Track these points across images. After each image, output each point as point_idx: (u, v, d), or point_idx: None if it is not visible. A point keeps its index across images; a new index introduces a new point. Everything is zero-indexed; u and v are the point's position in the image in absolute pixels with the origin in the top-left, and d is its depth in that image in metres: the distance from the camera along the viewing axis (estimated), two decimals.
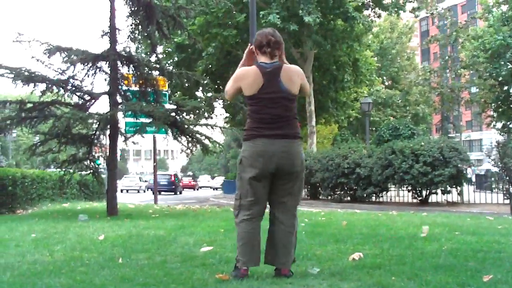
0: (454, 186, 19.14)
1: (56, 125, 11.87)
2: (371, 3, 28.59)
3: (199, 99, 19.75)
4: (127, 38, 13.40)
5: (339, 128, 38.28)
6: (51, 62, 12.22)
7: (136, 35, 13.67)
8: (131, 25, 13.32)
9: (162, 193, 43.44)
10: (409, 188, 19.85)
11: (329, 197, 22.66)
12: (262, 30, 4.69)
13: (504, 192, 18.57)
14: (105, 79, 12.92)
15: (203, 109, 13.93)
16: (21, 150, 59.20)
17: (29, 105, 12.39)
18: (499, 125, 39.54)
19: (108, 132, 12.75)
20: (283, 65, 4.53)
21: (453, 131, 52.22)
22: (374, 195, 21.00)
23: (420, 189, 19.43)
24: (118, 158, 14.16)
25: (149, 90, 13.28)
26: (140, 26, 13.34)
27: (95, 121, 12.25)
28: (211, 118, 33.73)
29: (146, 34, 13.71)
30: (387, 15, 33.16)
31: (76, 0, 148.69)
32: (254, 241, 4.46)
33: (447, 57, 34.79)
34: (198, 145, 13.48)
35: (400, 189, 21.36)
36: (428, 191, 19.31)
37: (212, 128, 13.82)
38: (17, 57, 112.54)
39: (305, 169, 4.65)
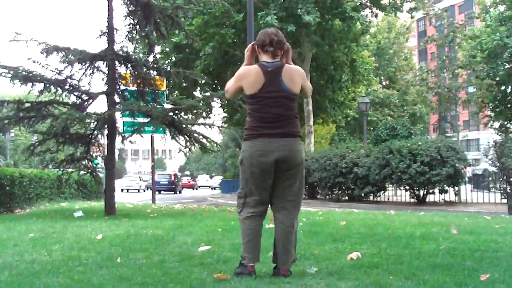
0: (452, 185, 19.17)
1: (53, 125, 11.87)
2: (368, 3, 28.64)
3: (196, 99, 19.72)
4: (125, 38, 13.40)
5: (336, 128, 38.33)
6: (49, 62, 12.23)
7: (134, 35, 13.66)
8: (129, 25, 13.30)
9: (162, 192, 44.20)
10: (407, 187, 19.89)
11: (327, 197, 22.70)
12: (265, 29, 4.71)
13: (502, 191, 18.58)
14: (103, 79, 12.92)
15: (200, 109, 13.92)
16: (19, 149, 59.27)
17: (27, 104, 12.38)
18: (496, 124, 39.63)
19: (106, 131, 12.74)
20: (284, 65, 4.54)
21: (451, 131, 52.36)
22: (372, 194, 21.04)
23: (417, 188, 19.46)
24: (116, 157, 14.16)
25: (147, 89, 13.28)
26: (138, 26, 13.33)
27: (93, 120, 12.26)
28: (209, 117, 33.78)
29: (144, 34, 13.70)
30: (385, 15, 33.20)
31: (74, 0, 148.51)
32: (258, 238, 4.49)
33: (444, 57, 34.88)
34: (196, 144, 13.48)
35: (397, 188, 21.40)
36: (425, 190, 19.34)
37: (210, 127, 13.82)
38: (15, 57, 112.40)
39: (305, 168, 4.66)
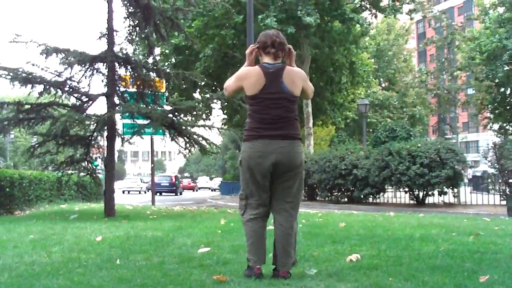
0: (451, 187, 19.19)
1: (53, 127, 11.87)
2: (368, 5, 28.68)
3: (196, 100, 19.73)
4: (125, 40, 13.40)
5: (336, 129, 38.34)
6: (49, 64, 12.24)
7: (134, 37, 13.67)
8: (128, 27, 13.31)
9: (163, 194, 44.94)
10: (406, 189, 19.90)
11: (327, 198, 22.71)
12: (266, 31, 4.73)
13: (501, 193, 18.59)
14: (103, 81, 12.92)
15: (200, 110, 13.94)
16: (19, 151, 59.23)
17: (26, 106, 12.38)
18: (495, 126, 39.65)
19: (105, 133, 12.75)
20: (286, 67, 4.56)
21: (450, 133, 52.36)
22: (371, 196, 21.06)
23: (417, 190, 19.48)
24: (116, 159, 14.16)
25: (147, 91, 13.29)
26: (137, 28, 13.34)
27: (92, 122, 12.26)
28: (209, 119, 33.82)
29: (143, 35, 13.71)
30: (384, 17, 33.23)
31: (73, 2, 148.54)
32: (262, 240, 4.51)
33: (443, 59, 34.89)
34: (195, 146, 13.49)
35: (397, 190, 21.41)
36: (425, 192, 19.35)
37: (210, 129, 13.82)
38: (15, 58, 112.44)
39: (304, 170, 4.67)
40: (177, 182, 48.55)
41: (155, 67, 13.92)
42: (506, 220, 11.00)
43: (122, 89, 13.27)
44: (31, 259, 5.51)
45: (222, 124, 35.89)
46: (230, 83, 4.68)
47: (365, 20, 28.33)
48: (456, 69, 35.54)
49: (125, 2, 13.12)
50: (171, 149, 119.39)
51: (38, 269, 4.90)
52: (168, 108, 14.10)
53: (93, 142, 13.07)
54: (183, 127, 13.22)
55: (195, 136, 13.36)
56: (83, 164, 13.22)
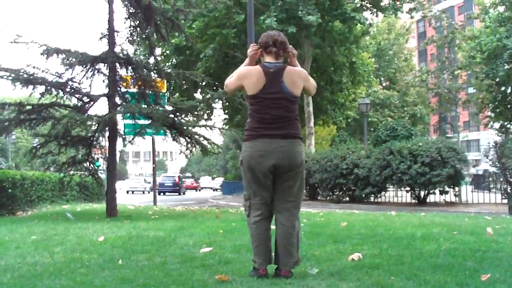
0: (452, 186, 19.17)
1: (55, 128, 11.89)
2: (368, 5, 28.67)
3: (197, 100, 19.73)
4: (126, 40, 13.42)
5: (337, 129, 38.32)
6: (50, 65, 12.26)
7: (135, 37, 13.68)
8: (129, 27, 13.32)
9: (167, 194, 46.01)
10: (407, 188, 19.89)
11: (328, 198, 22.70)
12: (268, 32, 4.75)
13: (502, 192, 18.58)
14: (104, 81, 12.94)
15: (201, 110, 13.95)
16: (21, 152, 59.32)
17: (28, 107, 12.40)
18: (496, 125, 39.63)
19: (107, 134, 12.77)
20: (286, 67, 4.57)
21: (451, 132, 52.33)
22: (373, 195, 21.05)
23: (418, 189, 19.47)
24: (117, 159, 14.18)
25: (148, 91, 13.30)
26: (138, 28, 13.35)
27: (94, 123, 12.28)
28: (210, 119, 33.84)
29: (144, 36, 13.72)
30: (384, 16, 33.22)
31: (74, 3, 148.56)
32: (267, 241, 4.52)
33: (444, 58, 34.87)
34: (197, 146, 13.50)
35: (398, 189, 21.40)
36: (426, 191, 19.34)
37: (211, 129, 13.84)
38: (16, 59, 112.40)
39: (305, 169, 4.68)
40: (180, 182, 49.45)
41: (156, 68, 13.94)
42: (507, 218, 10.98)
43: (123, 89, 13.29)
44: (34, 260, 5.52)
45: (223, 124, 35.92)
46: (231, 80, 4.69)
47: (366, 19, 28.33)
48: (456, 68, 35.52)
49: (126, 2, 13.13)
50: (172, 149, 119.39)
51: (41, 270, 4.92)
52: (169, 108, 14.12)
53: (94, 142, 13.09)
54: (185, 127, 13.23)
55: (196, 136, 13.37)
56: (85, 164, 13.26)
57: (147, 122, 12.83)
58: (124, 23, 13.41)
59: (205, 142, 13.51)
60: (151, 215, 12.40)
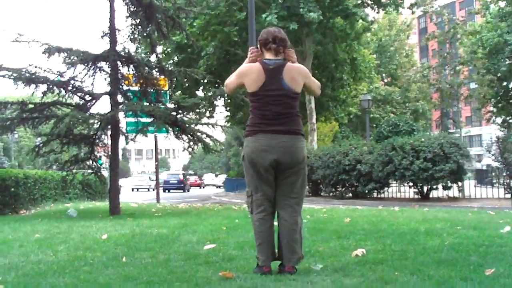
0: (455, 181, 19.15)
1: (57, 127, 11.90)
2: (369, 1, 28.62)
3: (199, 97, 19.74)
4: (127, 39, 13.43)
5: (339, 125, 38.31)
6: (52, 64, 12.27)
7: (136, 35, 13.68)
8: (130, 26, 13.32)
9: (172, 191, 47.16)
10: (410, 184, 19.89)
11: (331, 194, 22.71)
12: (268, 28, 4.74)
13: (505, 186, 18.59)
14: (106, 79, 12.95)
15: (203, 107, 13.97)
16: (24, 151, 59.46)
17: (30, 106, 12.41)
18: (498, 120, 39.59)
19: (109, 132, 12.78)
20: (286, 63, 4.56)
21: (453, 127, 52.22)
22: (375, 191, 21.06)
23: (421, 184, 19.47)
24: (120, 157, 14.17)
25: (150, 89, 13.30)
26: (139, 27, 13.35)
27: (96, 121, 12.28)
28: (213, 117, 33.86)
29: (145, 34, 13.73)
30: (385, 13, 33.16)
31: (75, 1, 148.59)
32: (270, 239, 4.52)
33: (445, 54, 34.78)
34: (199, 144, 13.51)
35: (401, 185, 21.40)
36: (429, 186, 19.34)
37: (213, 127, 13.84)
38: (17, 58, 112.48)
39: (307, 165, 4.68)
40: (185, 179, 50.47)
41: (157, 66, 13.94)
42: (510, 213, 10.97)
43: (125, 87, 13.29)
44: (37, 258, 5.53)
45: (225, 121, 35.95)
46: (231, 79, 4.69)
47: (368, 15, 28.29)
48: (458, 64, 35.42)
49: (127, 1, 13.13)
50: (175, 147, 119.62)
51: (45, 268, 4.92)
52: (171, 106, 14.11)
53: (97, 140, 13.09)
54: (187, 125, 13.24)
55: (198, 134, 13.38)
56: (87, 162, 13.26)
57: (149, 120, 12.83)
58: (125, 21, 13.42)
59: (207, 140, 13.51)
60: (154, 212, 12.41)
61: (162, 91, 14.20)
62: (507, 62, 32.74)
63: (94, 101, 12.93)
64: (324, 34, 28.07)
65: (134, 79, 13.34)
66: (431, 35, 36.07)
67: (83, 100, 13.00)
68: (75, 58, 12.23)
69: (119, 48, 12.88)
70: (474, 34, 35.67)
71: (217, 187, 60.87)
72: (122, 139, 13.06)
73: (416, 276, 4.16)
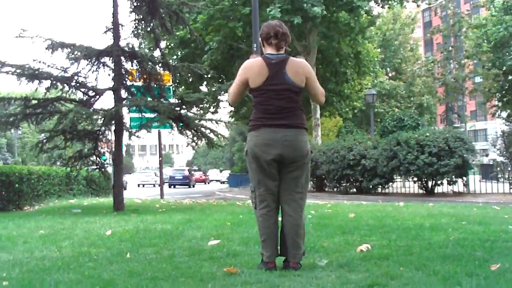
0: (460, 176, 19.09)
1: (61, 122, 11.91)
2: None
3: (203, 93, 19.71)
4: (131, 34, 13.41)
5: (343, 120, 38.26)
6: (55, 59, 12.27)
7: (139, 31, 13.66)
8: (134, 20, 13.30)
9: (177, 186, 48.17)
10: (415, 179, 19.84)
11: (335, 189, 22.69)
12: (269, 22, 4.70)
13: (510, 181, 18.54)
14: (109, 75, 12.93)
15: (207, 102, 13.95)
16: (27, 147, 59.66)
17: (33, 101, 12.40)
18: (504, 114, 39.50)
19: (113, 127, 12.77)
20: (289, 58, 4.53)
21: (458, 121, 52.16)
22: (380, 186, 21.02)
23: (426, 179, 19.42)
24: (124, 153, 14.17)
25: (153, 85, 13.28)
26: (143, 21, 13.33)
27: (100, 117, 12.28)
28: (217, 112, 33.83)
29: (149, 29, 13.70)
30: (389, 8, 33.05)
31: None
32: (275, 234, 4.50)
33: (450, 48, 34.74)
34: (203, 139, 13.49)
35: (406, 180, 21.36)
36: (434, 181, 19.29)
37: (217, 123, 13.83)
38: (20, 54, 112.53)
39: (310, 159, 4.65)
40: (190, 175, 51.08)
41: (161, 61, 13.92)
42: None
43: (129, 83, 13.28)
44: (42, 254, 5.53)
45: (229, 116, 35.93)
46: (233, 85, 4.65)
47: (372, 8, 28.19)
48: (463, 57, 35.38)
49: None
50: (178, 143, 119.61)
51: (49, 264, 4.92)
52: (175, 101, 14.10)
53: (101, 136, 13.08)
54: (191, 120, 13.22)
55: (202, 129, 13.36)
56: (91, 158, 13.26)
57: (153, 115, 12.82)
58: (129, 16, 13.42)
59: (211, 135, 13.49)
60: (158, 208, 12.41)
61: (166, 86, 14.18)
62: None
63: (97, 96, 12.92)
64: (328, 28, 27.99)
65: (137, 74, 13.32)
66: (436, 28, 36.04)
67: (86, 96, 12.99)
68: (79, 53, 12.22)
69: (122, 43, 12.87)
70: (479, 27, 35.58)
71: (221, 183, 61.20)
72: (125, 134, 13.05)
73: (421, 272, 4.15)
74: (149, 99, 12.88)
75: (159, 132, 18.97)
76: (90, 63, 12.59)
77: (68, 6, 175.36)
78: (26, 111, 12.25)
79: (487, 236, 5.94)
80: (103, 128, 12.80)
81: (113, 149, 13.07)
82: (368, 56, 34.61)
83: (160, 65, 13.85)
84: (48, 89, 12.33)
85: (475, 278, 3.87)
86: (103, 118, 12.22)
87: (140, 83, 13.46)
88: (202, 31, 26.90)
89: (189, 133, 13.37)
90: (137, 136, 13.28)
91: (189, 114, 13.80)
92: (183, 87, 30.04)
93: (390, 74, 54.92)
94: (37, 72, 11.95)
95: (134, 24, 13.36)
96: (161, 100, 13.15)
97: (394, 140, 19.51)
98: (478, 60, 38.14)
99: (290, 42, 4.67)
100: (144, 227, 7.84)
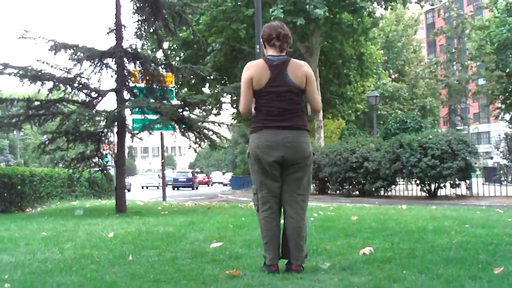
0: (463, 179, 19.03)
1: (64, 124, 11.91)
2: None
3: (205, 94, 19.73)
4: (134, 35, 13.41)
5: (346, 122, 38.24)
6: (58, 61, 12.28)
7: (142, 32, 13.66)
8: (137, 22, 13.30)
9: (181, 188, 48.73)
10: (418, 181, 19.79)
11: (338, 192, 22.63)
12: (271, 23, 4.68)
13: None
14: (112, 76, 12.94)
15: (210, 104, 13.94)
16: (29, 149, 59.77)
17: (36, 103, 12.41)
18: (507, 117, 39.45)
19: (115, 129, 12.77)
20: (290, 59, 4.52)
21: (461, 124, 52.11)
22: (383, 189, 20.96)
23: (428, 182, 19.37)
24: (126, 155, 14.16)
25: (156, 86, 13.28)
26: (146, 23, 13.33)
27: (102, 118, 12.27)
28: (219, 114, 33.81)
29: (152, 30, 13.70)
30: (391, 9, 33.04)
31: None
32: (277, 237, 4.50)
33: (453, 49, 34.70)
34: (206, 141, 13.47)
35: (408, 182, 21.31)
36: (436, 184, 19.24)
37: (219, 125, 13.81)
38: (23, 55, 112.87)
39: (313, 161, 4.64)
40: (193, 177, 51.87)
41: (164, 62, 13.92)
42: None
43: (131, 84, 13.27)
44: (44, 256, 5.53)
45: (232, 118, 35.93)
46: (240, 98, 4.57)
47: (375, 9, 28.18)
48: (466, 59, 35.35)
49: None
50: (181, 145, 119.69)
51: (51, 266, 4.92)
52: (178, 103, 14.09)
53: (103, 138, 13.08)
54: (193, 122, 13.22)
55: (205, 131, 13.35)
56: (94, 160, 13.26)
57: (155, 117, 12.81)
58: (132, 17, 13.41)
59: (214, 137, 13.48)
60: (160, 210, 12.40)
61: (168, 88, 14.16)
62: None
63: (100, 98, 12.92)
64: (331, 29, 27.97)
65: (140, 75, 13.32)
66: (439, 30, 36.02)
67: (89, 97, 12.99)
68: (82, 54, 12.23)
69: (125, 44, 12.86)
70: (483, 29, 35.55)
71: (223, 185, 61.53)
72: (128, 136, 13.04)
73: (424, 275, 4.13)
74: (151, 100, 12.88)
75: (161, 134, 18.97)
76: (92, 64, 12.60)
77: (71, 7, 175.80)
78: (29, 113, 12.26)
79: (490, 239, 5.92)
80: (105, 129, 12.80)
81: (116, 150, 13.06)
82: (371, 58, 34.62)
83: (162, 66, 13.86)
84: (50, 90, 12.32)
85: (478, 282, 3.86)
86: (105, 120, 12.22)
87: (142, 85, 13.45)
88: (205, 32, 26.91)
89: (191, 135, 13.37)
90: (140, 138, 13.26)
91: (192, 116, 13.78)
92: (185, 88, 30.06)
93: (393, 76, 54.93)
94: (39, 73, 11.95)
95: (137, 25, 13.35)
96: (164, 101, 13.14)
97: (397, 142, 19.47)
98: (481, 62, 38.10)
99: (293, 44, 4.66)
100: (146, 229, 7.83)
